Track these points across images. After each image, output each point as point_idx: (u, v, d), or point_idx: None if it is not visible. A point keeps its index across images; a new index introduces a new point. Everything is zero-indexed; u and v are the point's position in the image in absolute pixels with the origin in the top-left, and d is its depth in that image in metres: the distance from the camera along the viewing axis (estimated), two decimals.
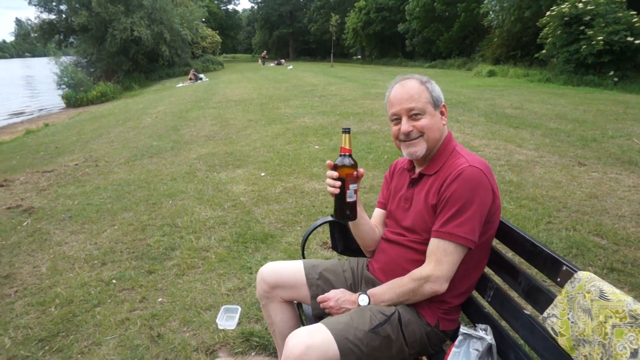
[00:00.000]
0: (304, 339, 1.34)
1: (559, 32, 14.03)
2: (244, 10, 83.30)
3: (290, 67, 30.53)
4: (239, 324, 2.43)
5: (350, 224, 1.70)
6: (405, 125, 1.51)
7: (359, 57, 47.25)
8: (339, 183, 1.48)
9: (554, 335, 1.20)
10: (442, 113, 1.56)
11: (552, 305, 1.23)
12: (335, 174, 1.49)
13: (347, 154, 1.50)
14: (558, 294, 1.22)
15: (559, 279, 1.25)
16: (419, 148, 1.52)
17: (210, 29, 41.33)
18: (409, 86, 1.53)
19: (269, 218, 3.85)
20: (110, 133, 9.65)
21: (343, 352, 1.35)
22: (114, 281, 2.99)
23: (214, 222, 3.83)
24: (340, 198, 1.50)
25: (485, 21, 22.26)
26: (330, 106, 10.16)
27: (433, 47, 30.57)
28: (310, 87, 15.14)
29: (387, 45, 38.72)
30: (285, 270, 1.77)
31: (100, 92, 22.48)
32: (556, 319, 1.20)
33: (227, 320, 2.43)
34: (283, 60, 38.15)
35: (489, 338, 1.31)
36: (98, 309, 2.69)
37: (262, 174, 5.19)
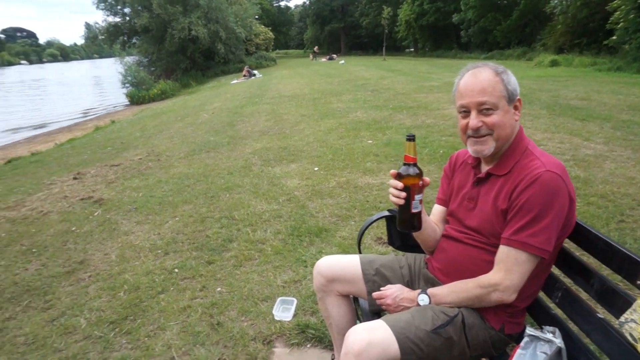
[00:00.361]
0: (364, 336, 1.33)
1: (631, 16, 13.01)
2: (296, 7, 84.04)
3: (342, 61, 30.48)
4: (294, 315, 2.48)
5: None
6: (474, 120, 1.40)
7: (412, 50, 46.22)
8: (404, 194, 1.43)
9: (632, 342, 1.12)
10: (515, 108, 1.44)
11: (630, 310, 1.15)
12: (399, 184, 1.43)
13: (412, 162, 1.42)
14: (637, 297, 1.14)
15: (638, 282, 1.16)
16: (487, 147, 1.42)
17: (263, 26, 42.17)
18: (482, 77, 1.40)
19: (323, 212, 3.88)
20: (170, 129, 10.10)
21: (404, 351, 1.34)
22: (176, 270, 3.15)
23: (269, 216, 3.92)
24: (405, 209, 1.44)
25: (548, 8, 21.03)
26: (383, 100, 10.05)
27: (490, 37, 29.28)
28: (363, 81, 15.04)
29: (441, 37, 37.58)
30: (341, 265, 1.78)
31: (160, 90, 23.60)
32: (635, 324, 1.12)
33: (284, 311, 2.49)
34: (335, 55, 38.15)
35: (558, 341, 1.25)
36: (162, 296, 2.83)
37: (316, 169, 5.23)
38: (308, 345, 2.28)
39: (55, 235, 4.12)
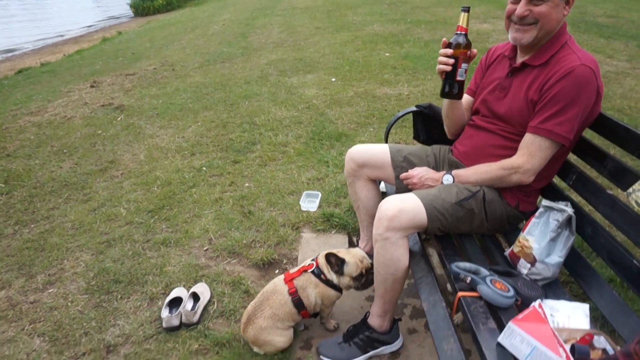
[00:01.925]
0: (397, 203, 1.50)
1: None
2: None
3: None
4: (319, 207, 2.68)
5: (448, 104, 1.75)
6: (522, 8, 1.43)
7: None
8: (452, 61, 1.52)
9: (637, 208, 1.28)
10: (567, 2, 1.45)
11: (638, 182, 1.29)
12: (449, 51, 1.52)
13: (463, 32, 1.50)
14: None
15: None
16: (527, 36, 1.47)
17: None
18: None
19: (342, 119, 3.98)
20: (180, 40, 9.87)
21: (430, 218, 1.51)
22: (204, 168, 3.33)
23: (289, 122, 4.02)
24: (450, 76, 1.55)
25: None
26: (401, 14, 9.64)
27: None
28: None
29: None
30: (372, 152, 1.92)
31: (165, 1, 22.49)
32: None
33: (309, 203, 2.69)
34: None
35: (570, 210, 1.40)
36: (194, 190, 3.04)
37: (333, 79, 5.23)
38: (332, 232, 2.51)
39: (82, 137, 4.28)
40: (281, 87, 5.17)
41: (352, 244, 1.84)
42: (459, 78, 1.55)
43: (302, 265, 1.83)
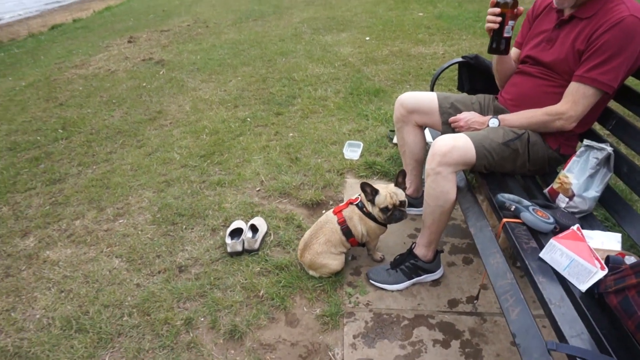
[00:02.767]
0: (449, 141, 1.66)
1: None
2: None
3: None
4: (361, 156, 2.86)
5: (497, 59, 1.87)
6: None
7: None
8: (499, 19, 1.64)
9: None
10: None
11: None
12: (497, 10, 1.64)
13: None
14: None
15: None
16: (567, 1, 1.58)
17: None
18: None
19: (378, 76, 4.08)
20: None
21: (479, 156, 1.67)
22: (248, 119, 3.52)
23: (327, 78, 4.15)
24: (498, 33, 1.67)
25: None
26: None
27: None
28: None
29: None
30: (421, 98, 2.06)
31: None
32: None
33: (352, 152, 2.86)
34: None
35: (609, 148, 1.54)
36: (241, 138, 3.24)
37: (367, 38, 5.28)
38: (375, 178, 2.69)
39: (129, 89, 4.50)
40: (316, 45, 5.26)
41: (398, 184, 1.98)
42: (505, 35, 1.66)
43: (349, 198, 2.03)
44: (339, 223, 1.94)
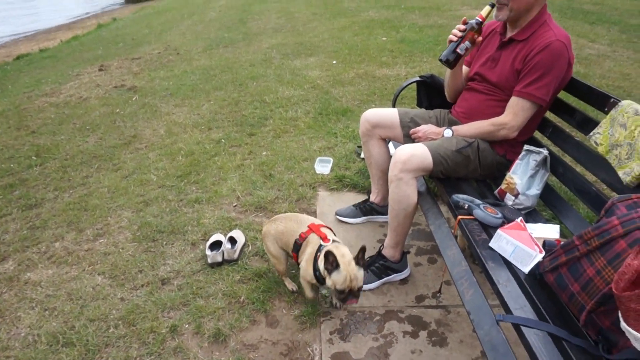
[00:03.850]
0: (409, 150, 1.86)
1: None
2: None
3: None
4: (331, 170, 3.04)
5: (450, 74, 2.12)
6: None
7: None
8: (460, 34, 1.87)
9: (595, 146, 1.65)
10: None
11: (597, 126, 1.66)
12: (462, 27, 1.88)
13: (480, 20, 1.86)
14: (603, 119, 1.65)
15: (606, 109, 1.66)
16: (502, 14, 1.85)
17: None
18: None
19: (345, 97, 4.32)
20: (179, 26, 10.08)
21: (435, 162, 1.87)
22: (222, 140, 3.66)
23: (297, 99, 4.35)
24: (454, 46, 1.89)
25: None
26: (395, 0, 9.95)
27: None
28: None
29: None
30: (383, 113, 2.27)
31: None
32: (599, 135, 1.64)
33: (322, 167, 3.04)
34: None
35: (545, 152, 1.77)
36: (216, 158, 3.37)
37: (334, 62, 5.55)
38: (345, 190, 2.87)
39: (102, 115, 4.57)
40: (285, 69, 5.49)
41: (358, 261, 1.70)
42: (458, 50, 1.90)
43: (327, 233, 1.86)
44: (300, 236, 1.89)
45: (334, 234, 1.93)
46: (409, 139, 2.17)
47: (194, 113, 4.35)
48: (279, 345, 1.83)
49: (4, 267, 2.44)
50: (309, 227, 1.90)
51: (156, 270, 2.28)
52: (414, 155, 1.85)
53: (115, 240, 2.56)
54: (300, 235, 1.89)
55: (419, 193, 1.95)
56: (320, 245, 1.80)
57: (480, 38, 1.91)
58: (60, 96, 5.46)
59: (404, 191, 1.88)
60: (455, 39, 1.89)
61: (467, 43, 1.88)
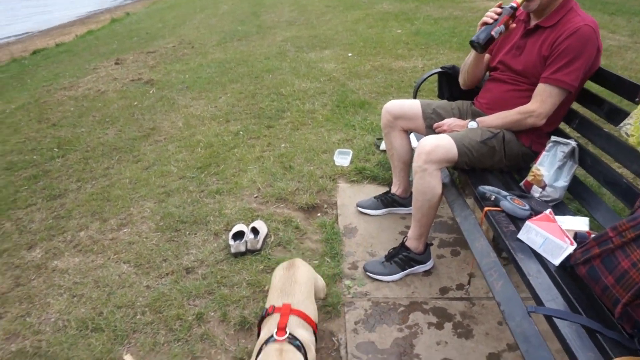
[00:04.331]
0: (433, 141, 1.86)
1: None
2: None
3: None
4: (351, 162, 3.04)
5: (475, 57, 2.07)
6: None
7: None
8: (495, 16, 1.83)
9: (626, 138, 1.63)
10: None
11: (628, 117, 1.63)
12: (498, 10, 1.83)
13: (515, 5, 1.81)
14: (634, 109, 1.62)
15: (637, 99, 1.64)
16: (532, 4, 1.81)
17: None
18: None
19: (362, 90, 4.31)
20: (192, 20, 10.12)
21: (460, 153, 1.87)
22: (241, 132, 3.68)
23: (314, 92, 4.35)
24: (487, 28, 1.83)
25: None
26: None
27: None
28: None
29: None
30: (406, 105, 2.26)
31: None
32: (630, 125, 1.61)
33: (342, 159, 3.04)
34: None
35: (574, 143, 1.76)
36: (235, 150, 3.39)
37: (349, 55, 5.54)
38: (365, 182, 2.87)
39: (120, 108, 4.61)
40: (300, 61, 5.48)
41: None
42: (493, 33, 1.84)
43: (293, 324, 1.41)
44: (269, 307, 1.49)
45: (312, 326, 1.48)
46: (431, 130, 2.16)
47: (211, 105, 4.37)
48: None
49: (32, 254, 2.49)
50: (283, 305, 1.46)
51: (180, 259, 2.31)
52: (438, 146, 1.84)
53: (138, 230, 2.59)
54: (269, 307, 1.48)
55: (444, 185, 1.94)
56: (270, 338, 1.35)
57: (514, 25, 1.88)
58: (78, 89, 5.52)
59: (428, 182, 1.88)
60: (490, 21, 1.85)
61: (501, 27, 1.84)
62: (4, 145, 4.02)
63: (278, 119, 3.87)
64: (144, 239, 2.50)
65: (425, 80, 2.52)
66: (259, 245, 2.27)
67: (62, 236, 2.62)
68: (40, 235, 2.65)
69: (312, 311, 1.53)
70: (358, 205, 2.57)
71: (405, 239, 2.12)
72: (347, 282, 2.09)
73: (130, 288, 2.15)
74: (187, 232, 2.51)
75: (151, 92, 5.02)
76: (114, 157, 3.57)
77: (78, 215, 2.81)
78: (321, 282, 1.83)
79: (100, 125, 4.25)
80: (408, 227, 2.39)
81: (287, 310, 1.44)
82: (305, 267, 1.68)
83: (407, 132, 2.35)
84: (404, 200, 2.50)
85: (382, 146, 3.09)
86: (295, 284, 1.56)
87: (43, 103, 5.13)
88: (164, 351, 1.81)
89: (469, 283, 2.04)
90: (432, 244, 2.18)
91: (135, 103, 4.71)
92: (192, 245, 2.41)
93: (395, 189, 2.50)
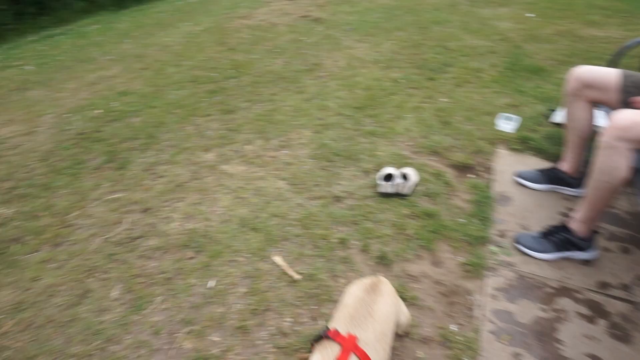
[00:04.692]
0: (632, 116, 1.61)
1: None
2: None
3: None
4: (516, 130, 2.82)
5: None
6: None
7: None
8: None
9: None
10: None
11: None
12: None
13: None
14: None
15: None
16: None
17: None
18: None
19: (539, 55, 3.89)
20: None
21: None
22: (401, 80, 3.64)
23: (483, 50, 4.06)
24: None
25: None
26: None
27: None
28: None
29: None
30: (600, 73, 1.98)
31: None
32: None
33: (506, 124, 2.84)
34: None
35: None
36: (393, 97, 3.38)
37: (530, 15, 4.99)
38: (528, 153, 2.66)
39: (289, 41, 4.88)
40: (472, 17, 5.12)
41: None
42: None
43: None
44: (330, 330, 1.24)
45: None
46: (625, 105, 1.88)
47: (373, 50, 4.37)
48: (440, 285, 1.86)
49: (207, 156, 2.86)
50: (348, 336, 1.20)
51: (330, 187, 2.45)
52: (637, 123, 1.60)
53: (296, 153, 2.80)
54: (330, 330, 1.24)
55: (633, 170, 1.70)
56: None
57: None
58: (253, 19, 5.95)
59: (614, 162, 1.66)
60: None
61: None
62: (191, 60, 4.57)
63: (441, 72, 3.72)
64: (300, 162, 2.70)
65: (629, 47, 2.17)
66: (406, 191, 2.29)
67: (231, 146, 2.95)
68: (214, 142, 3.02)
69: (380, 358, 1.23)
70: (518, 175, 2.41)
71: (567, 219, 1.94)
72: (493, 248, 2.01)
73: (284, 202, 2.37)
74: (339, 165, 2.64)
75: (318, 29, 5.19)
76: (279, 85, 3.83)
77: (246, 131, 3.13)
78: (405, 318, 1.51)
79: (270, 54, 4.56)
80: (570, 210, 2.20)
81: (350, 346, 1.17)
82: (389, 298, 1.36)
83: (593, 104, 2.08)
84: (573, 180, 2.27)
85: (555, 118, 2.80)
86: (370, 317, 1.26)
87: (223, 28, 5.66)
88: (308, 262, 1.98)
89: None
90: (598, 232, 1.96)
91: (302, 38, 4.92)
92: (343, 177, 2.53)
93: (566, 165, 2.28)
